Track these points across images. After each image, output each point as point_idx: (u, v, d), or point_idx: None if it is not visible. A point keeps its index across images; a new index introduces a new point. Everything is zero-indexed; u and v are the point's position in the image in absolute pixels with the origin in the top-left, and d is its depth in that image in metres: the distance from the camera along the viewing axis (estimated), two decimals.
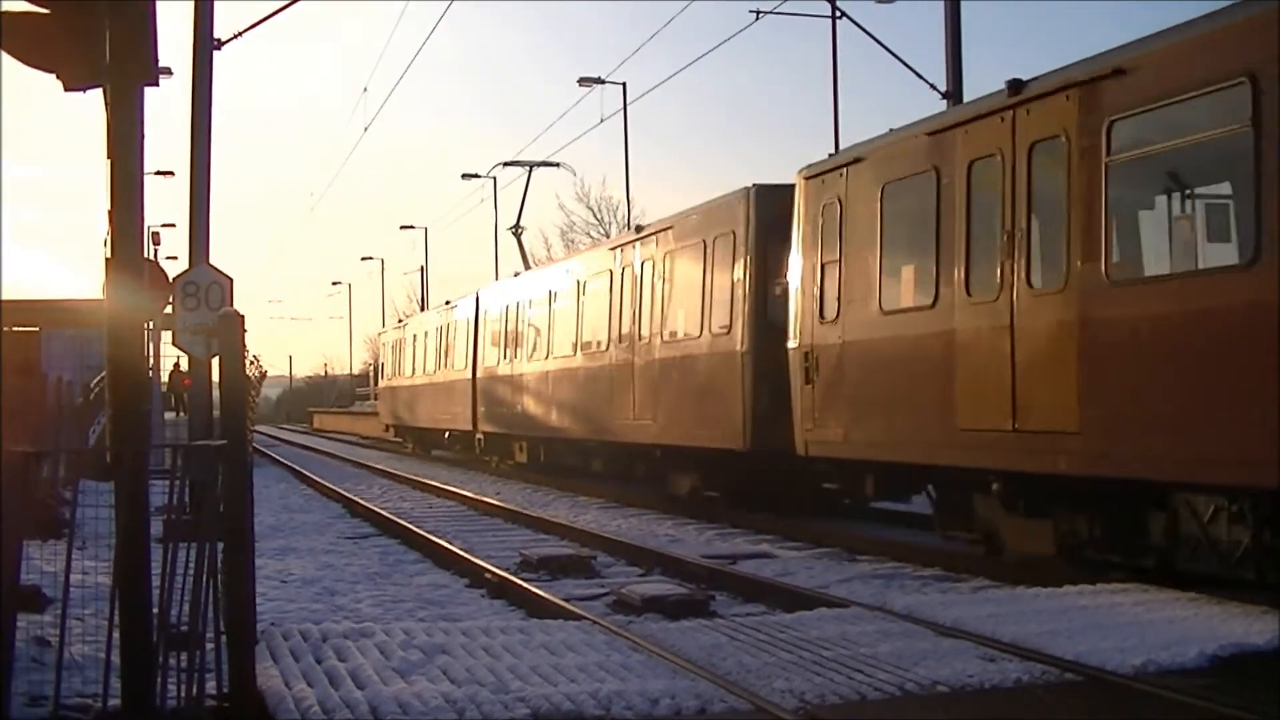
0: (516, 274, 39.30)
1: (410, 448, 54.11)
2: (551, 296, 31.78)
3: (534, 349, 33.26)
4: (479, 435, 39.37)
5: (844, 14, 36.54)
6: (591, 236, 74.80)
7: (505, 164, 41.73)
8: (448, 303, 45.51)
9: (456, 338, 42.38)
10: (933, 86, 28.66)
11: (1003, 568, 14.78)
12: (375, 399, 63.79)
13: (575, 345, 29.36)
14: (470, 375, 39.73)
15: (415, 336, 51.17)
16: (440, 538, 19.47)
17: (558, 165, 42.74)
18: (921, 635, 10.52)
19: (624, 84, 50.61)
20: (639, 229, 25.90)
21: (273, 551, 19.02)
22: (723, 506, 22.77)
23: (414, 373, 50.46)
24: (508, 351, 35.82)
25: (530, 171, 41.86)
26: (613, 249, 27.70)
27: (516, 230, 42.16)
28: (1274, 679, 9.15)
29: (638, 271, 25.50)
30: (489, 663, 9.59)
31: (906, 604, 11.85)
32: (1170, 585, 12.19)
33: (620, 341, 26.20)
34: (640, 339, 25.20)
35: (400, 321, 55.73)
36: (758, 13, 36.57)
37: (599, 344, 27.72)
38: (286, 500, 29.73)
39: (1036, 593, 12.52)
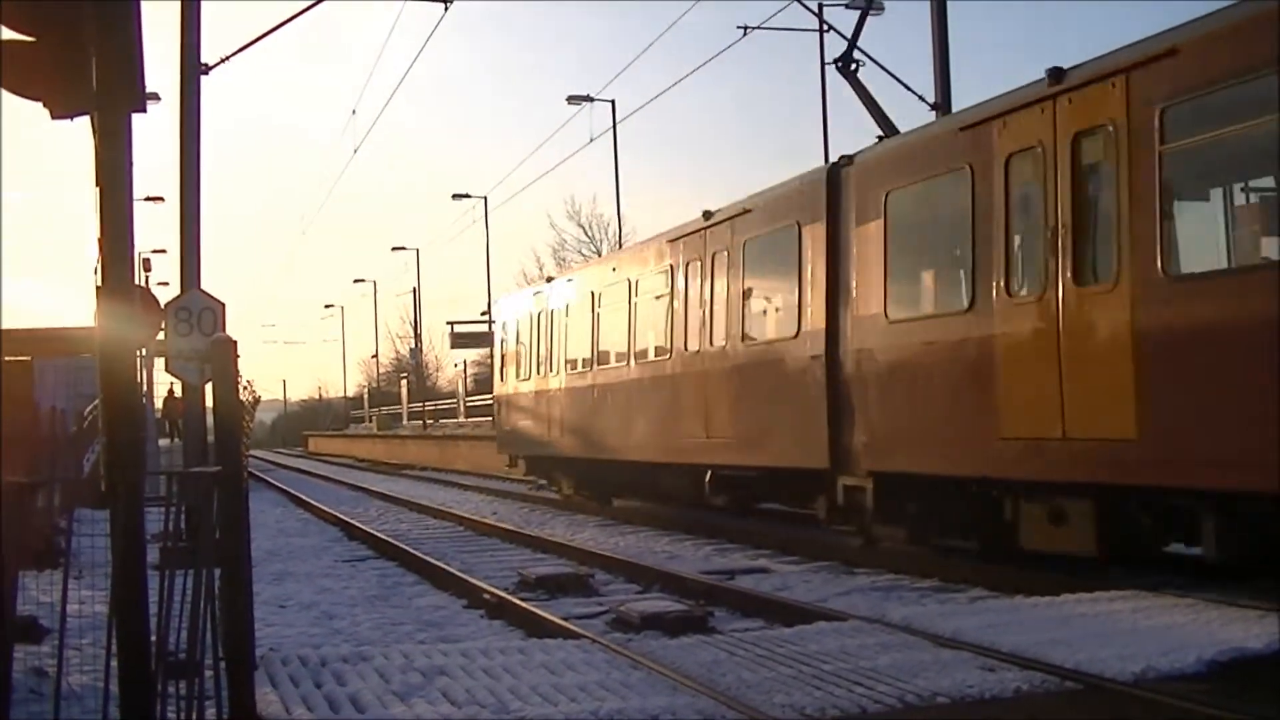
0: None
1: (565, 493, 32.02)
2: None
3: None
4: (858, 482, 17.43)
5: (831, 27, 36.65)
6: (583, 254, 75.05)
7: None
8: (708, 214, 22.45)
9: (749, 274, 21.08)
10: (920, 98, 28.72)
11: (1001, 577, 14.77)
12: (493, 417, 39.33)
13: None
14: (820, 347, 18.18)
15: (597, 295, 28.04)
16: (438, 559, 19.46)
17: None
18: (921, 646, 10.52)
19: (613, 101, 50.74)
20: None
21: (270, 576, 18.98)
22: (719, 521, 22.56)
23: (593, 362, 28.05)
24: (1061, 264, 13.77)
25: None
26: None
27: (849, 66, 21.13)
28: (1273, 683, 9.16)
29: None
30: (489, 684, 9.59)
31: (905, 615, 11.85)
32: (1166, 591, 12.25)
33: None
34: None
35: (549, 280, 33.66)
36: (745, 28, 36.71)
37: None
38: (283, 524, 29.68)
39: (1035, 602, 12.54)
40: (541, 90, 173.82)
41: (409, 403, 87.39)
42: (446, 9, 29.90)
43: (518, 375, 33.88)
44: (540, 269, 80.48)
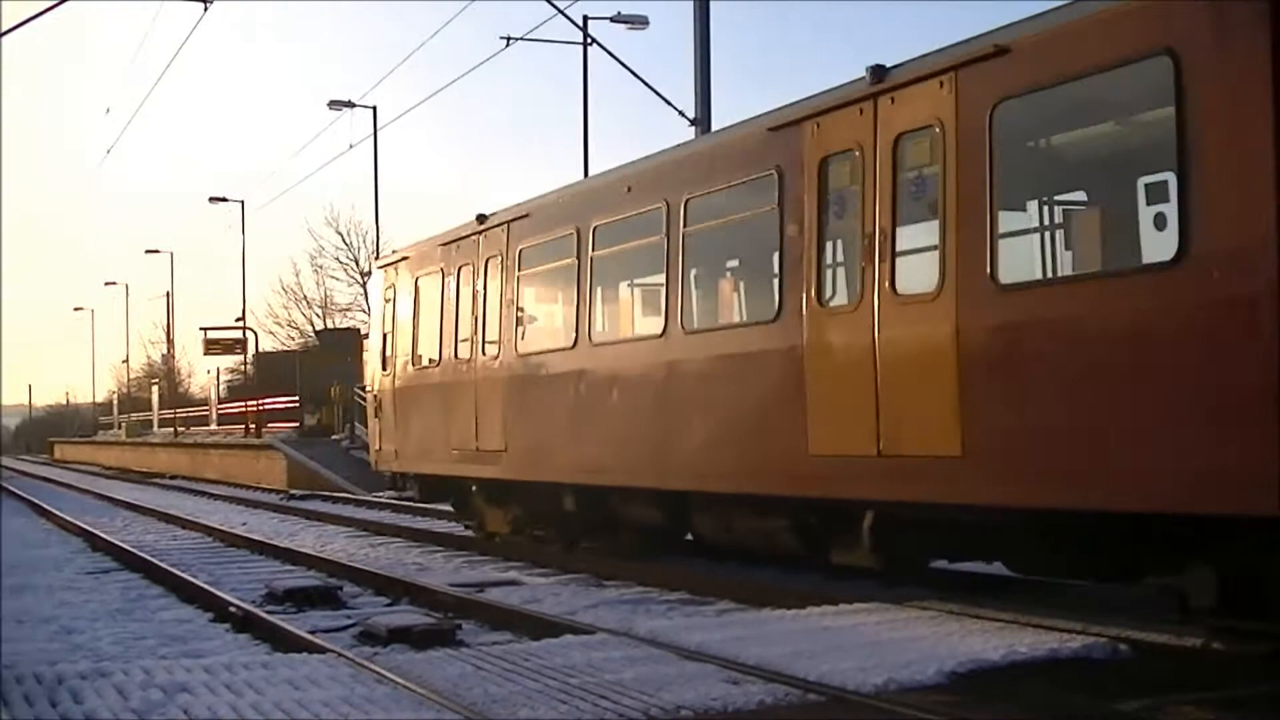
0: None
1: (495, 530, 22.03)
2: None
3: None
4: None
5: (595, 40, 36.91)
6: (340, 262, 74.54)
7: None
8: (880, 71, 12.76)
9: (1004, 165, 11.67)
10: (681, 113, 29.01)
11: (748, 591, 14.94)
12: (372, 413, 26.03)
13: None
14: (1259, 278, 9.06)
15: (588, 233, 17.76)
16: (184, 571, 19.07)
17: None
18: (666, 660, 10.57)
19: (374, 108, 50.32)
20: None
21: (7, 590, 18.34)
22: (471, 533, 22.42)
23: (578, 336, 17.85)
24: None
25: None
26: None
27: None
28: (1008, 693, 9.40)
29: None
30: (231, 700, 9.40)
31: (652, 629, 11.90)
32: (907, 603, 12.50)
33: None
34: None
35: (480, 220, 20.96)
36: (508, 39, 36.71)
37: None
38: (24, 535, 28.73)
39: (781, 614, 12.67)
40: (305, 95, 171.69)
41: (160, 409, 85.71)
42: (206, 9, 29.40)
43: (416, 362, 23.35)
44: (297, 275, 79.67)
